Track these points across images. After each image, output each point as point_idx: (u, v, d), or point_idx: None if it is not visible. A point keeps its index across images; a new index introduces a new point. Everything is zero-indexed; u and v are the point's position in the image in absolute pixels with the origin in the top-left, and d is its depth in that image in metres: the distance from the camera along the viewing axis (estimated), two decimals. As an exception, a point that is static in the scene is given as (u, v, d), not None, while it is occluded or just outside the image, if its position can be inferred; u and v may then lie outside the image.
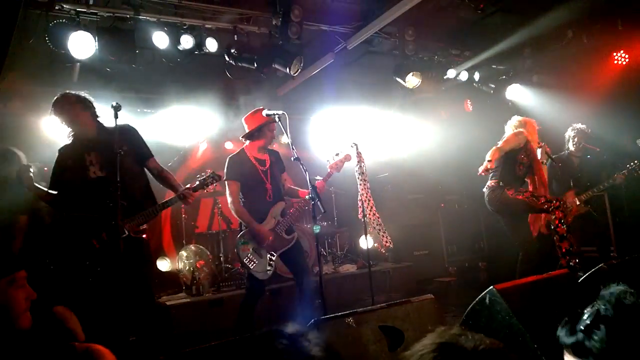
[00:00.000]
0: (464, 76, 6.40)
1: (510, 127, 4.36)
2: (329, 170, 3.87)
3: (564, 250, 3.79)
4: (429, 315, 2.20)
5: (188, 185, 3.24)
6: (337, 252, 6.61)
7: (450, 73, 6.27)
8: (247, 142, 3.83)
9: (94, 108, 3.10)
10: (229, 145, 7.01)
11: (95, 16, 4.18)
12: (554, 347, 1.15)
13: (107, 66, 4.26)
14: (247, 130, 3.80)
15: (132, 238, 2.93)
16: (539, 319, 2.03)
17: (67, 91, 3.10)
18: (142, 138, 3.22)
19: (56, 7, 3.99)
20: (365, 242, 6.58)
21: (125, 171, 2.86)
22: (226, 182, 3.71)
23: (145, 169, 3.21)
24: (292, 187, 4.06)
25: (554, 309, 2.17)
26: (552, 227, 3.88)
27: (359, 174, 4.22)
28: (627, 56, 6.18)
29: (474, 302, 2.20)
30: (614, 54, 6.21)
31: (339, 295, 5.50)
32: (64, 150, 3.10)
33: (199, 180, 3.30)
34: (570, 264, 3.68)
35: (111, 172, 2.80)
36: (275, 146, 7.15)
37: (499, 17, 5.56)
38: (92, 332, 2.78)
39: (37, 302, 1.52)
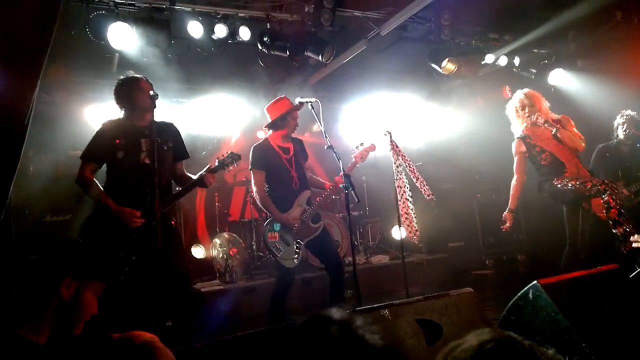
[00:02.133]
0: (503, 61, 6.13)
1: (511, 113, 4.32)
2: (353, 159, 3.83)
3: (619, 235, 3.52)
4: (468, 309, 2.13)
5: (207, 167, 3.23)
6: (369, 242, 6.55)
7: (489, 58, 6.02)
8: (271, 131, 3.83)
9: (156, 96, 3.12)
10: (260, 134, 7.01)
11: (132, 7, 4.25)
12: (604, 345, 1.07)
13: (144, 56, 4.32)
14: (270, 120, 3.80)
15: (162, 225, 2.96)
16: (586, 316, 1.93)
17: (137, 75, 3.17)
18: (182, 139, 3.33)
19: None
20: (398, 232, 6.55)
21: (165, 164, 2.97)
22: (251, 171, 3.74)
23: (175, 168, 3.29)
24: (316, 177, 4.06)
25: (603, 305, 2.05)
26: (605, 213, 3.63)
27: (393, 163, 4.14)
28: None
29: (516, 297, 2.11)
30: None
31: (371, 286, 5.46)
32: (113, 127, 3.10)
33: (218, 161, 3.26)
34: (626, 249, 3.43)
35: (154, 161, 2.85)
36: (306, 135, 7.23)
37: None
38: (129, 318, 2.88)
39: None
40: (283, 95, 3.83)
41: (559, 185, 3.88)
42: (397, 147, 4.12)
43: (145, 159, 3.01)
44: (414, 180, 4.16)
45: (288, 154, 3.77)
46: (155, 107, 3.07)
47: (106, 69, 5.23)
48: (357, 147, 3.87)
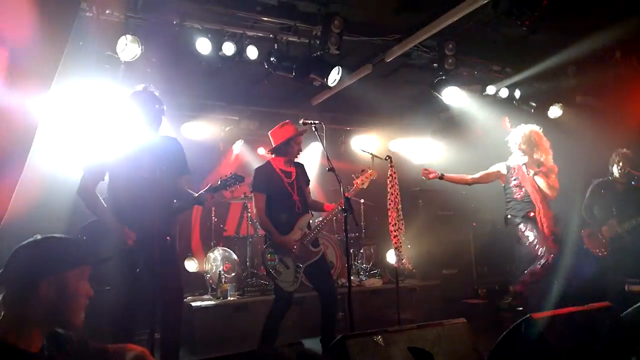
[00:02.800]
0: (504, 93, 6.24)
1: (514, 144, 4.49)
2: (354, 185, 3.85)
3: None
4: (461, 339, 2.12)
5: (208, 186, 3.17)
6: (362, 265, 6.53)
7: (490, 89, 6.13)
8: (273, 155, 3.85)
9: (162, 111, 3.17)
10: (261, 151, 7.09)
11: (142, 21, 4.32)
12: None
13: (149, 69, 4.39)
14: (273, 144, 3.83)
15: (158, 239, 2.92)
16: (578, 353, 1.92)
17: (148, 85, 3.19)
18: (184, 155, 3.30)
19: (106, 11, 4.15)
20: (393, 257, 6.53)
21: (165, 179, 2.93)
22: (252, 193, 3.75)
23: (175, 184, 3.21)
24: (316, 200, 4.08)
25: (594, 343, 2.05)
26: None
27: (390, 187, 4.16)
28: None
29: (508, 330, 2.11)
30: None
31: (363, 310, 5.42)
32: (118, 138, 3.10)
33: (221, 181, 3.18)
34: None
35: (155, 176, 2.86)
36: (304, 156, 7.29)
37: (543, 35, 5.41)
38: (119, 328, 2.86)
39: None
40: (288, 121, 3.87)
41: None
42: (394, 173, 4.13)
43: (145, 173, 2.96)
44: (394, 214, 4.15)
45: (290, 178, 3.79)
46: (159, 120, 3.14)
47: (110, 79, 5.29)
48: (358, 173, 3.90)
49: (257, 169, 3.82)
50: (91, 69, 4.92)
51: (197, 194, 3.15)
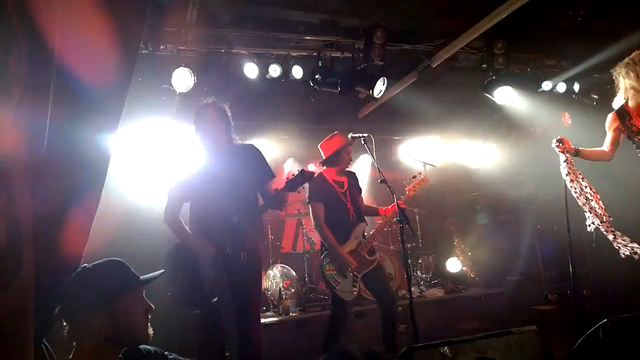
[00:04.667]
0: (561, 88, 5.93)
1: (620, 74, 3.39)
2: (406, 192, 3.83)
3: None
4: (532, 348, 2.02)
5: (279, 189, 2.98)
6: (422, 275, 6.38)
7: (546, 85, 5.85)
8: (325, 166, 3.93)
9: (230, 122, 3.16)
10: (311, 167, 7.20)
11: (193, 52, 4.59)
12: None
13: (202, 97, 4.63)
14: (324, 156, 3.91)
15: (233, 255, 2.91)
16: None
17: (211, 100, 3.20)
18: (264, 159, 3.17)
19: (161, 47, 4.46)
20: (454, 265, 6.34)
21: (241, 188, 2.92)
22: (310, 205, 3.81)
23: (259, 191, 3.13)
24: (369, 205, 4.09)
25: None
26: None
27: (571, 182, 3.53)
28: None
29: (584, 336, 1.98)
30: None
31: (426, 321, 5.27)
32: (193, 159, 3.10)
33: (288, 181, 2.94)
34: None
35: (231, 187, 2.85)
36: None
37: (600, 23, 5.10)
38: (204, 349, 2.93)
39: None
40: (336, 132, 3.94)
41: None
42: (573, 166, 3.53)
43: (222, 187, 2.91)
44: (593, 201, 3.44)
45: (343, 187, 3.85)
46: (230, 130, 3.11)
47: (167, 110, 5.62)
48: (410, 180, 3.88)
49: (312, 181, 3.84)
50: (150, 103, 5.28)
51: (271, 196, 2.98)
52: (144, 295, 1.63)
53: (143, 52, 4.40)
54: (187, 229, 2.99)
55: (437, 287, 6.10)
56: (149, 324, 1.60)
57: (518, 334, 2.03)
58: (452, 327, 5.25)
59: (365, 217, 3.97)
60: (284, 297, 5.22)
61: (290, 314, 5.17)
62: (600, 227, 3.34)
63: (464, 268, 6.43)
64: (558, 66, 5.87)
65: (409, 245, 6.34)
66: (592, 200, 3.40)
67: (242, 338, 2.89)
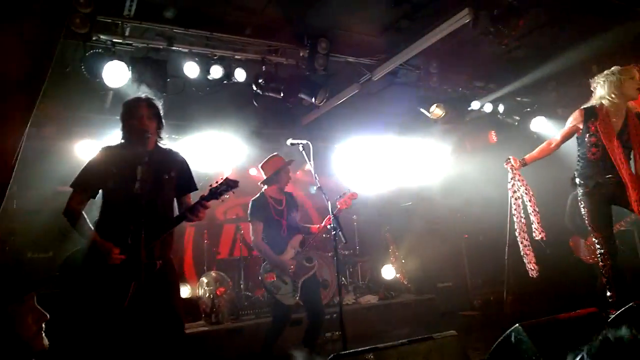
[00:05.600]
0: (488, 108, 6.39)
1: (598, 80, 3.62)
2: (338, 206, 3.96)
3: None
4: (451, 353, 2.13)
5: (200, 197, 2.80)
6: (358, 282, 6.50)
7: (475, 105, 6.28)
8: (266, 186, 4.17)
9: (162, 122, 2.94)
10: (253, 172, 7.12)
11: (129, 47, 4.38)
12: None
13: (139, 94, 4.43)
14: (264, 176, 4.15)
15: (147, 264, 2.63)
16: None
17: (144, 95, 2.94)
18: (189, 169, 3.02)
19: (93, 38, 4.19)
20: (388, 272, 6.53)
21: (162, 196, 2.76)
22: (250, 222, 4.09)
23: (177, 201, 2.98)
24: (304, 225, 4.35)
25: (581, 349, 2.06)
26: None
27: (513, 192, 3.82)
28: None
29: (499, 340, 2.13)
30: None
31: (359, 327, 5.37)
32: (109, 153, 2.81)
33: (211, 190, 2.75)
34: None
35: (150, 192, 2.65)
36: (299, 173, 7.33)
37: (523, 52, 5.57)
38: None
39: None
40: (276, 153, 4.22)
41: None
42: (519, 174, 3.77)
43: (138, 189, 2.64)
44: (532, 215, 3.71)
45: (281, 205, 4.13)
46: (159, 129, 2.90)
47: (99, 106, 5.32)
48: (341, 196, 4.06)
49: (253, 200, 4.14)
50: (77, 94, 4.96)
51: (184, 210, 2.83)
52: (35, 302, 1.51)
53: (73, 41, 4.12)
54: (90, 226, 2.70)
55: (371, 293, 6.26)
56: (44, 334, 1.48)
57: (439, 340, 2.14)
58: (385, 334, 5.40)
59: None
60: (217, 305, 5.09)
61: (223, 322, 5.04)
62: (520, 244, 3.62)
63: (398, 275, 6.65)
64: (486, 88, 6.32)
65: (346, 252, 6.46)
66: (532, 214, 3.69)
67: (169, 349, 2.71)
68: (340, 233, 3.41)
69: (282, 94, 4.95)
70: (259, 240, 3.99)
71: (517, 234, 3.77)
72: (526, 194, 3.75)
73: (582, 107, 3.57)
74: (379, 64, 5.36)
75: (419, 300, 6.20)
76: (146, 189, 2.65)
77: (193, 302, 5.51)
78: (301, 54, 4.95)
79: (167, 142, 3.08)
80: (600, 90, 3.51)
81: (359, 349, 2.09)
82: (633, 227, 5.01)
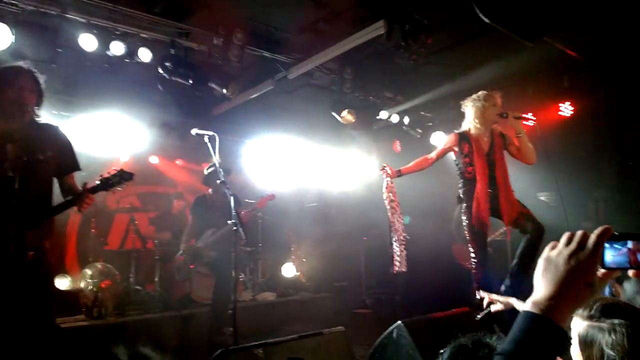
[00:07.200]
0: (395, 119, 6.75)
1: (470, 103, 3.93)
2: (255, 205, 3.98)
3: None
4: (338, 347, 2.20)
5: (85, 185, 2.57)
6: (257, 279, 6.45)
7: (383, 114, 6.59)
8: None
9: (42, 98, 2.61)
10: (154, 160, 6.69)
11: (16, 7, 3.86)
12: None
13: (23, 60, 3.92)
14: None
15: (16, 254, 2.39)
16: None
17: (26, 65, 2.59)
18: (71, 147, 2.75)
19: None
20: (288, 270, 6.58)
21: (37, 177, 2.48)
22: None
23: (58, 181, 2.72)
24: None
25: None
26: None
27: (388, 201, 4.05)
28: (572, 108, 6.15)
29: (382, 336, 2.24)
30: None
31: (255, 323, 5.33)
32: None
33: (102, 179, 2.55)
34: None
35: (22, 174, 2.36)
36: (203, 165, 7.11)
37: (431, 68, 5.98)
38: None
39: None
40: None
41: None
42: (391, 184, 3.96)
43: (8, 171, 2.38)
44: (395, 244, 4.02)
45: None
46: (38, 105, 2.60)
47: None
48: (261, 197, 4.06)
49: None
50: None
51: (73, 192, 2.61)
52: None
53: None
54: None
55: (270, 291, 6.24)
56: None
57: (327, 335, 2.19)
58: (279, 330, 5.41)
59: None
60: (100, 298, 4.68)
61: (106, 317, 4.66)
62: (395, 242, 3.93)
63: (298, 273, 6.74)
64: (394, 99, 6.66)
65: (249, 249, 6.37)
66: (395, 242, 4.05)
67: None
68: (240, 230, 3.33)
69: (190, 81, 4.72)
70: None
71: (393, 233, 4.05)
72: (392, 214, 3.96)
73: (455, 132, 3.96)
74: (295, 63, 5.37)
75: (316, 298, 6.35)
76: (18, 170, 2.36)
77: (73, 295, 5.01)
78: (215, 42, 4.77)
79: (56, 119, 2.78)
80: (469, 114, 3.89)
81: (248, 344, 2.06)
82: (504, 237, 5.61)
